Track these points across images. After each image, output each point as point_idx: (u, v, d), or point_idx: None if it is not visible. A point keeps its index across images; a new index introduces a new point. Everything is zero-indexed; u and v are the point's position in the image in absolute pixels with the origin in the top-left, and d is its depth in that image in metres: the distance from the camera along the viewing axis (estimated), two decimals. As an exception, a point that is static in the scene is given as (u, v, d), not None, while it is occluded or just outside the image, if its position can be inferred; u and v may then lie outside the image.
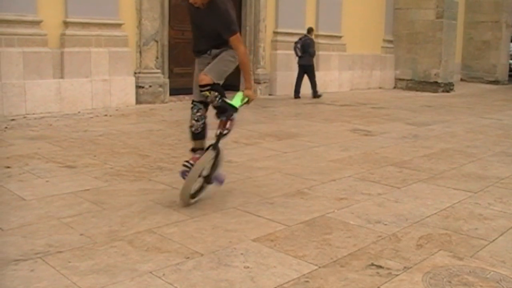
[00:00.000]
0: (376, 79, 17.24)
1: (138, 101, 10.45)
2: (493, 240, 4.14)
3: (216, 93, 4.74)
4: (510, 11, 22.70)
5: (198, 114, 4.84)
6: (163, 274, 3.27)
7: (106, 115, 9.18)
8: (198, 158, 4.76)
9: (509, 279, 3.43)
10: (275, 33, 13.54)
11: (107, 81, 9.92)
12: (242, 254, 3.64)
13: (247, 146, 7.21)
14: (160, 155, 6.47)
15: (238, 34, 4.65)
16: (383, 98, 14.62)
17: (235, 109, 4.86)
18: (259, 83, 13.12)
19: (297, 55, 13.61)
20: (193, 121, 4.84)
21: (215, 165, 4.84)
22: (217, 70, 4.77)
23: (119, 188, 5.07)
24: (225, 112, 4.83)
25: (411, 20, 17.60)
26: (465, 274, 3.48)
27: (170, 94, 11.13)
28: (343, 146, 7.47)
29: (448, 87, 17.47)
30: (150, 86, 10.63)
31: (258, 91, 13.07)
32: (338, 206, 4.78)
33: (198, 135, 4.89)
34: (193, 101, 4.90)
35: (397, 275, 3.42)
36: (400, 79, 17.95)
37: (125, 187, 5.10)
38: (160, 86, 10.83)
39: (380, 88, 17.15)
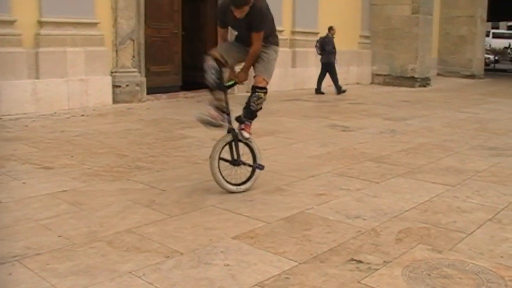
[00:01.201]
0: (353, 75, 17.31)
1: (115, 101, 10.38)
2: (471, 233, 4.17)
3: (264, 98, 5.20)
4: (485, 6, 22.88)
5: (259, 101, 5.22)
6: (143, 274, 3.25)
7: (83, 115, 9.11)
8: (250, 126, 5.33)
9: (488, 271, 3.46)
10: (252, 29, 13.53)
11: (83, 81, 9.84)
12: (222, 252, 3.63)
13: (226, 144, 7.19)
14: (138, 154, 6.43)
15: (262, 33, 4.98)
16: (360, 93, 14.68)
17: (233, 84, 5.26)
18: (237, 80, 13.10)
19: (317, 53, 14.32)
20: (253, 104, 5.24)
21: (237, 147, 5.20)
22: (270, 72, 5.22)
23: (97, 188, 5.04)
24: (251, 114, 5.31)
25: (388, 16, 17.69)
26: (444, 267, 3.50)
27: (147, 93, 11.06)
28: (321, 142, 7.49)
29: (424, 82, 17.59)
30: (127, 85, 10.56)
31: (236, 89, 13.04)
32: (318, 202, 4.79)
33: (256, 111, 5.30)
34: (254, 87, 5.21)
35: (377, 269, 3.44)
36: (377, 75, 18.03)
37: (104, 187, 5.06)
38: (137, 85, 10.76)
39: (357, 83, 17.22)
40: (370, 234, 4.07)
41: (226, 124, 5.16)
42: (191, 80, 12.52)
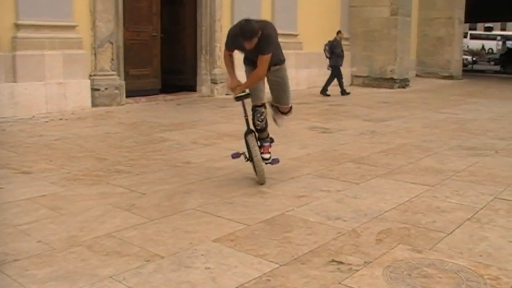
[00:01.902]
0: (332, 77, 17.33)
1: (94, 104, 10.31)
2: (451, 232, 4.20)
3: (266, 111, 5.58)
4: (463, 7, 23.08)
5: (262, 117, 5.52)
6: (124, 278, 3.23)
7: (61, 119, 9.04)
8: (268, 147, 5.69)
9: (467, 270, 3.49)
10: (231, 32, 13.51)
11: (61, 84, 9.77)
12: (203, 255, 3.62)
13: (206, 147, 7.18)
14: (118, 158, 6.40)
15: (268, 55, 5.23)
16: (340, 95, 14.71)
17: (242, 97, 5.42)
18: (215, 83, 13.07)
19: (326, 56, 14.77)
20: (258, 122, 5.52)
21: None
22: (290, 94, 5.75)
23: (76, 192, 5.00)
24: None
25: (366, 18, 17.77)
26: (425, 267, 3.53)
27: (127, 96, 11.00)
28: (301, 144, 7.51)
29: (403, 83, 17.70)
30: (106, 89, 10.50)
31: (215, 91, 13.04)
32: (298, 204, 4.80)
33: (263, 129, 5.62)
34: (254, 106, 5.55)
35: (357, 270, 3.45)
36: (356, 76, 18.10)
37: (83, 192, 5.03)
38: (116, 88, 10.70)
39: (336, 85, 17.27)
40: (351, 235, 4.08)
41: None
42: (170, 83, 12.50)
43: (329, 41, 14.90)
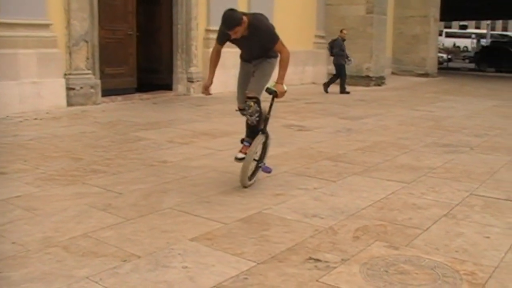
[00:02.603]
0: (309, 75, 17.38)
1: (69, 103, 10.21)
2: (427, 229, 4.24)
3: (258, 109, 5.32)
4: (438, 6, 23.27)
5: (250, 111, 5.31)
6: (100, 279, 3.21)
7: (36, 119, 8.94)
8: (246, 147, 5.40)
9: (443, 266, 3.52)
10: (207, 30, 13.45)
11: (36, 83, 9.65)
12: (180, 254, 3.61)
13: (182, 146, 7.15)
14: (94, 157, 6.35)
15: (280, 40, 5.28)
16: (316, 93, 14.76)
17: (274, 92, 5.30)
18: (192, 81, 13.03)
19: (330, 55, 15.44)
20: (248, 117, 5.37)
21: (265, 148, 5.54)
22: (261, 87, 5.40)
23: (52, 193, 4.95)
24: (254, 133, 5.43)
25: (342, 16, 17.82)
26: (401, 263, 3.55)
27: (102, 95, 10.91)
28: (278, 142, 7.49)
29: (379, 81, 17.79)
30: (81, 88, 10.40)
31: (192, 90, 13.00)
32: (275, 202, 4.80)
33: (253, 126, 5.44)
34: (238, 109, 5.65)
35: (335, 267, 3.46)
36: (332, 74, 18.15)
37: (58, 192, 4.98)
38: (92, 87, 10.61)
39: (313, 83, 17.30)
40: (328, 233, 4.09)
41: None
42: (146, 81, 12.42)
43: (331, 40, 15.40)
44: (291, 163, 6.30)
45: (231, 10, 5.12)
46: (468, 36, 59.22)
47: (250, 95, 5.32)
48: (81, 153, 6.57)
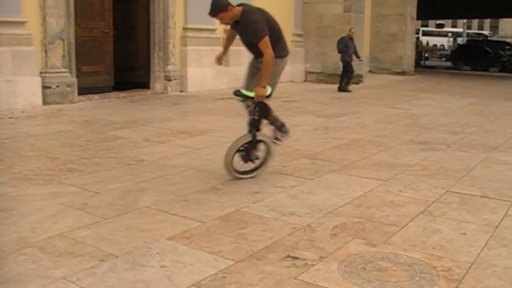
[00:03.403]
0: (286, 73, 17.15)
1: (45, 102, 10.11)
2: (404, 226, 4.26)
3: (257, 109, 5.41)
4: (415, 4, 23.43)
5: (248, 110, 5.50)
6: (77, 279, 3.18)
7: (11, 118, 8.84)
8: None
9: (421, 262, 3.54)
10: (185, 29, 13.42)
11: (11, 82, 9.54)
12: (157, 253, 3.59)
13: (159, 144, 7.12)
14: (70, 156, 6.29)
15: (265, 38, 5.22)
16: (294, 91, 14.78)
17: (246, 97, 5.43)
18: (169, 80, 12.98)
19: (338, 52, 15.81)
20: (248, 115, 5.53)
21: (252, 147, 5.52)
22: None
23: (27, 192, 4.89)
24: (252, 126, 5.50)
25: (320, 14, 17.86)
26: (379, 260, 3.56)
27: (79, 94, 10.82)
28: (256, 140, 7.50)
29: (357, 79, 17.82)
30: (57, 86, 10.30)
31: (169, 88, 12.95)
32: (252, 200, 4.80)
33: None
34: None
35: (313, 265, 3.46)
36: (310, 72, 18.20)
37: (34, 192, 4.92)
38: (68, 85, 10.52)
39: (291, 81, 17.32)
40: (306, 230, 4.10)
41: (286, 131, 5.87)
42: (123, 80, 12.34)
43: (341, 37, 15.78)
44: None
45: None
46: (444, 34, 59.69)
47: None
48: (57, 152, 6.51)
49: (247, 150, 5.52)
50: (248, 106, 5.51)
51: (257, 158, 5.60)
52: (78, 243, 3.74)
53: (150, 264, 3.42)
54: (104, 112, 9.75)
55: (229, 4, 5.25)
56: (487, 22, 72.94)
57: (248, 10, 5.35)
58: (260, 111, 5.47)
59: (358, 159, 6.54)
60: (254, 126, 5.49)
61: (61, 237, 3.83)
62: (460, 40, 53.75)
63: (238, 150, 5.47)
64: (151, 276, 3.25)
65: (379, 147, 7.30)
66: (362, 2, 18.37)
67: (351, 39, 15.61)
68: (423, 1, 24.63)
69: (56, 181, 5.29)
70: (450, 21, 64.57)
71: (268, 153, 5.68)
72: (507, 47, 38.19)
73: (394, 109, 11.73)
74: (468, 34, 57.21)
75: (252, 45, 5.40)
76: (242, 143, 5.48)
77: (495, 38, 57.49)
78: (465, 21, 57.39)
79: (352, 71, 15.68)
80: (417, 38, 38.93)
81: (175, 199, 4.78)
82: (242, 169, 5.54)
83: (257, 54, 5.43)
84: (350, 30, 15.88)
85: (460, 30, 59.00)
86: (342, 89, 15.34)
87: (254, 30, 5.24)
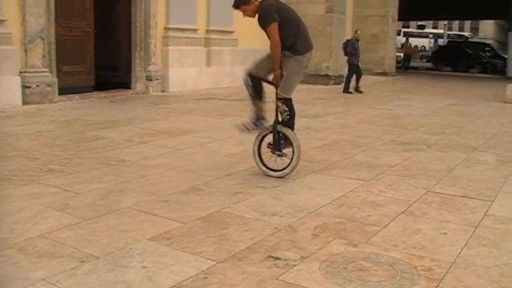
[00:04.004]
0: (268, 73, 17.38)
1: (25, 102, 10.01)
2: (385, 226, 4.28)
3: (287, 108, 5.63)
4: (396, 5, 23.57)
5: (279, 110, 5.69)
6: (57, 281, 3.15)
7: (-9, 117, 8.77)
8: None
9: (402, 262, 3.56)
10: (166, 29, 13.38)
11: (-10, 81, 9.46)
12: (138, 254, 3.57)
13: (141, 144, 7.09)
14: (50, 157, 6.24)
15: (272, 25, 5.43)
16: (274, 91, 14.75)
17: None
18: (151, 80, 12.92)
19: (344, 54, 16.05)
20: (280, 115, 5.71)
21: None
22: (288, 86, 5.69)
23: (7, 193, 4.84)
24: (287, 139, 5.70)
25: (302, 15, 17.47)
26: (360, 260, 3.57)
27: (59, 94, 10.72)
28: (237, 141, 7.49)
29: (339, 80, 17.90)
30: (37, 86, 10.21)
31: (150, 88, 12.90)
32: (234, 201, 4.79)
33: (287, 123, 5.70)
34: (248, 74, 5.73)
35: (294, 265, 3.47)
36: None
37: (14, 192, 4.87)
38: (48, 85, 10.43)
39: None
40: (287, 231, 4.10)
41: (262, 127, 5.81)
42: (104, 80, 12.27)
43: (346, 40, 16.10)
44: (250, 162, 6.28)
45: None
46: (425, 36, 60.11)
47: (278, 96, 5.66)
48: (37, 152, 6.45)
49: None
50: (278, 107, 5.70)
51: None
52: (59, 244, 3.70)
53: (131, 265, 3.40)
54: (85, 112, 9.69)
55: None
56: (467, 23, 73.60)
57: (262, 1, 5.55)
58: (290, 111, 5.68)
59: (340, 160, 6.55)
60: (290, 127, 5.72)
61: (41, 238, 3.79)
62: (441, 41, 54.18)
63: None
64: (132, 277, 3.23)
65: (361, 148, 7.32)
66: (344, 2, 18.45)
67: (357, 41, 15.83)
68: (404, 2, 24.78)
69: (36, 181, 5.25)
70: (431, 22, 65.03)
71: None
72: (487, 48, 38.66)
73: (375, 109, 11.78)
74: (449, 35, 57.70)
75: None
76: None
77: (475, 40, 58.00)
78: (446, 22, 57.90)
79: (361, 74, 15.86)
80: (407, 39, 39.17)
81: (157, 200, 4.76)
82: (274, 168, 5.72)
83: (282, 45, 5.52)
84: (356, 32, 16.17)
85: (441, 31, 59.50)
86: (347, 91, 15.38)
87: (262, 17, 5.48)
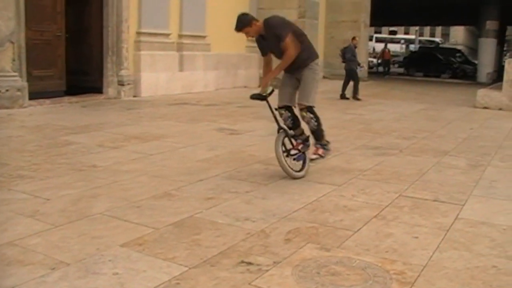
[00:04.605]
0: (241, 78, 17.40)
1: (-6, 107, 9.90)
2: (358, 230, 4.30)
3: (312, 115, 5.77)
4: (368, 11, 23.77)
5: (282, 117, 5.92)
6: (27, 288, 3.11)
7: (-41, 123, 8.64)
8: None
9: (374, 266, 3.57)
10: (138, 33, 13.31)
11: (-42, 86, 9.32)
12: (110, 260, 3.53)
13: (112, 150, 7.03)
14: (20, 162, 6.16)
15: (289, 37, 5.54)
16: (248, 97, 14.77)
17: (262, 97, 5.96)
18: (123, 84, 12.84)
19: (342, 61, 16.13)
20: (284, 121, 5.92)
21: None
22: (308, 95, 5.76)
23: (-25, 199, 4.77)
24: (316, 135, 6.00)
25: (274, 20, 17.91)
26: (333, 264, 3.58)
27: (30, 98, 10.60)
28: (209, 146, 7.48)
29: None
30: (7, 90, 10.08)
31: (122, 93, 12.82)
32: (206, 206, 4.77)
33: (292, 128, 5.93)
34: (278, 107, 5.93)
35: (267, 270, 3.46)
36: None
37: (-18, 198, 4.80)
38: (18, 90, 10.30)
39: (245, 87, 17.33)
40: (260, 236, 4.09)
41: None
42: (75, 84, 12.16)
43: (343, 47, 16.15)
44: (222, 167, 6.28)
45: (242, 14, 5.77)
46: (397, 41, 60.66)
47: (301, 106, 5.75)
48: (7, 158, 6.36)
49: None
50: (304, 117, 5.81)
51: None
52: (28, 251, 3.65)
53: (103, 271, 3.37)
54: (55, 117, 9.59)
55: (253, 18, 5.72)
56: (438, 29, 74.44)
57: (267, 19, 5.68)
58: (316, 117, 5.81)
59: (312, 164, 6.55)
60: (318, 136, 6.02)
61: (10, 245, 3.74)
62: (412, 47, 54.74)
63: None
64: (103, 284, 3.20)
65: (333, 152, 7.33)
66: (316, 8, 18.53)
67: (355, 47, 15.99)
68: (376, 8, 24.99)
69: (6, 187, 5.17)
70: (402, 28, 65.67)
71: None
72: (457, 54, 39.19)
73: (348, 114, 11.84)
74: (420, 41, 58.35)
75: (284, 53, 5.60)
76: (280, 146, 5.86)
77: (446, 45, 58.72)
78: (417, 28, 58.52)
79: (359, 80, 15.96)
80: (385, 45, 39.51)
81: (128, 205, 4.72)
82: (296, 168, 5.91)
83: (294, 63, 5.64)
84: (354, 38, 16.36)
85: (413, 37, 60.15)
86: (344, 97, 15.54)
87: (279, 32, 5.55)
